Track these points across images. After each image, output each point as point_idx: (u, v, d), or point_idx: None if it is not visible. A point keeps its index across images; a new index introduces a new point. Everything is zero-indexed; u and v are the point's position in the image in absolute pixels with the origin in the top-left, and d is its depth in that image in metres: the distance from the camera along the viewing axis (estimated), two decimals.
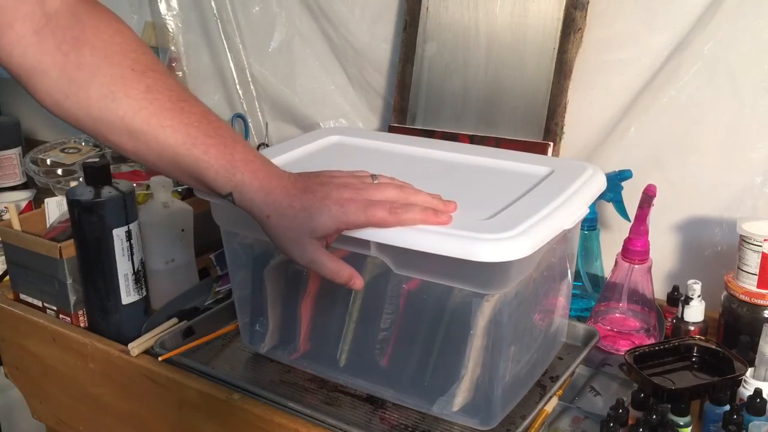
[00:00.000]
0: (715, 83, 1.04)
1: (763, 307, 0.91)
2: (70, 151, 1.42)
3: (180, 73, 1.59)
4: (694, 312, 0.92)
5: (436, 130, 1.22)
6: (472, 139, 1.17)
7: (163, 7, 1.56)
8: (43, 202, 1.17)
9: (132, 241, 0.99)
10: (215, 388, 0.89)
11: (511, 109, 1.17)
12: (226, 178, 0.70)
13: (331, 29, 1.38)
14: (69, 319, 1.08)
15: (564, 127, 1.12)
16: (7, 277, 1.16)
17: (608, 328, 0.99)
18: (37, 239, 1.07)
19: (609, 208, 1.08)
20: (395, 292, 0.82)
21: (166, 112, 0.68)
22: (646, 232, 0.96)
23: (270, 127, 1.53)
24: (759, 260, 0.91)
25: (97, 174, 0.98)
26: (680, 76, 1.06)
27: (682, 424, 0.77)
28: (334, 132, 1.06)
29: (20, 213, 1.18)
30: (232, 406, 0.87)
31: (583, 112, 1.14)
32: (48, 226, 1.14)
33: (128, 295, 1.01)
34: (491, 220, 0.74)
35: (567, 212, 0.78)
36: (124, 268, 0.99)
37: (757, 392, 0.77)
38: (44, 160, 1.37)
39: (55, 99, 0.68)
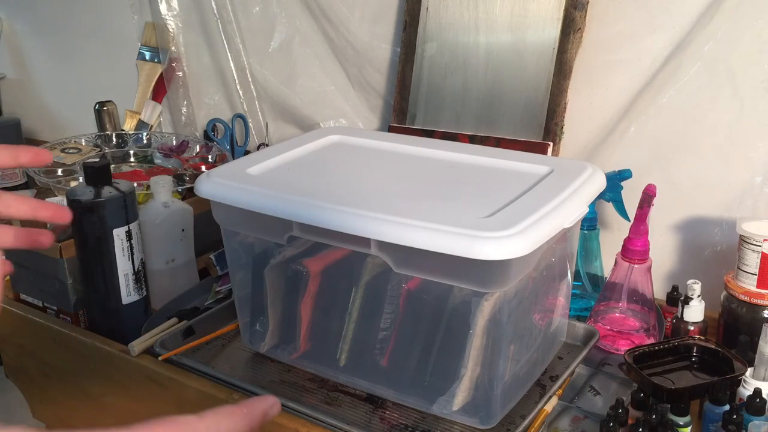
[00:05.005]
0: (715, 83, 1.04)
1: (763, 307, 0.91)
2: (71, 151, 1.42)
3: (180, 73, 1.59)
4: (694, 312, 0.92)
5: (436, 130, 1.22)
6: (472, 139, 1.17)
7: (163, 7, 1.56)
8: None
9: (132, 241, 0.99)
10: (215, 388, 0.89)
11: (511, 109, 1.17)
12: None
13: (331, 29, 1.38)
14: (69, 319, 1.08)
15: (564, 127, 1.12)
16: (8, 277, 1.16)
17: (608, 327, 0.99)
18: None
19: (609, 208, 1.08)
20: (395, 291, 0.82)
21: None
22: (646, 232, 0.96)
23: (270, 127, 1.53)
24: (759, 260, 0.91)
25: (98, 174, 0.98)
26: (680, 76, 1.06)
27: (681, 423, 0.77)
28: (334, 132, 1.06)
29: None
30: None
31: (583, 112, 1.14)
32: (48, 226, 1.14)
33: (128, 295, 1.01)
34: (491, 219, 0.74)
35: (567, 211, 0.78)
36: (124, 268, 1.00)
37: (757, 392, 0.77)
38: None
39: None
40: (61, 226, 1.11)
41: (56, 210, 0.57)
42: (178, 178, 1.29)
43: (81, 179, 1.22)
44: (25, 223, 1.13)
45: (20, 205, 0.55)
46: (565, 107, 1.12)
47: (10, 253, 0.56)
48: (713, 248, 1.08)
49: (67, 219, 0.57)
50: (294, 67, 1.46)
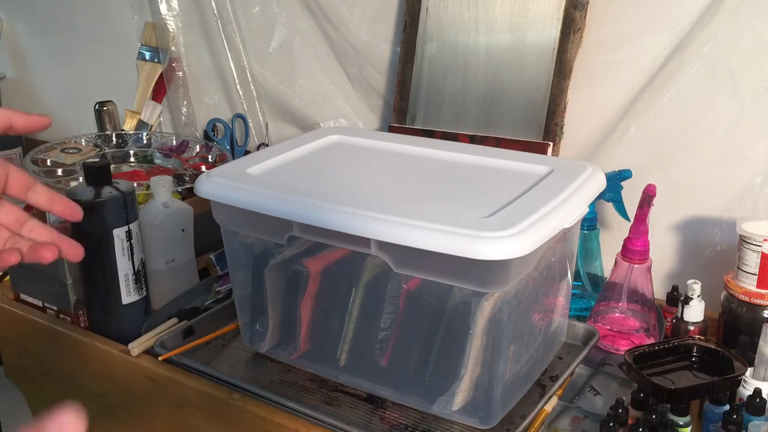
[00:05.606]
0: (715, 83, 1.04)
1: (763, 307, 0.91)
2: (71, 151, 1.42)
3: (180, 73, 1.59)
4: (694, 312, 0.92)
5: (436, 130, 1.22)
6: (472, 139, 1.17)
7: (163, 7, 1.56)
8: None
9: (132, 241, 0.99)
10: (215, 388, 0.89)
11: (511, 109, 1.17)
12: None
13: (331, 29, 1.38)
14: (69, 319, 1.08)
15: (564, 127, 1.12)
16: (8, 277, 1.16)
17: (608, 327, 0.99)
18: None
19: (609, 208, 1.08)
20: (395, 291, 0.82)
21: None
22: (646, 232, 0.96)
23: (270, 127, 1.53)
24: (759, 260, 0.91)
25: (98, 174, 0.98)
26: (680, 76, 1.06)
27: (681, 423, 0.77)
28: (334, 132, 1.06)
29: None
30: (232, 406, 0.87)
31: (583, 112, 1.14)
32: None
33: (128, 295, 1.01)
34: (491, 219, 0.74)
35: (567, 211, 0.78)
36: (124, 268, 0.99)
37: (757, 392, 0.77)
38: (44, 160, 1.37)
39: None
40: (61, 226, 1.11)
41: (67, 207, 0.60)
42: (178, 178, 1.29)
43: (81, 179, 1.22)
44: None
45: (40, 196, 0.58)
46: (565, 107, 1.12)
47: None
48: (713, 248, 1.08)
49: (77, 218, 0.60)
50: (294, 67, 1.46)
